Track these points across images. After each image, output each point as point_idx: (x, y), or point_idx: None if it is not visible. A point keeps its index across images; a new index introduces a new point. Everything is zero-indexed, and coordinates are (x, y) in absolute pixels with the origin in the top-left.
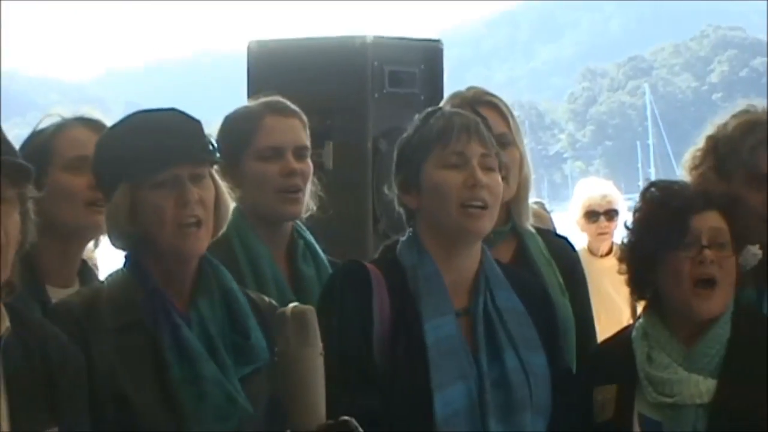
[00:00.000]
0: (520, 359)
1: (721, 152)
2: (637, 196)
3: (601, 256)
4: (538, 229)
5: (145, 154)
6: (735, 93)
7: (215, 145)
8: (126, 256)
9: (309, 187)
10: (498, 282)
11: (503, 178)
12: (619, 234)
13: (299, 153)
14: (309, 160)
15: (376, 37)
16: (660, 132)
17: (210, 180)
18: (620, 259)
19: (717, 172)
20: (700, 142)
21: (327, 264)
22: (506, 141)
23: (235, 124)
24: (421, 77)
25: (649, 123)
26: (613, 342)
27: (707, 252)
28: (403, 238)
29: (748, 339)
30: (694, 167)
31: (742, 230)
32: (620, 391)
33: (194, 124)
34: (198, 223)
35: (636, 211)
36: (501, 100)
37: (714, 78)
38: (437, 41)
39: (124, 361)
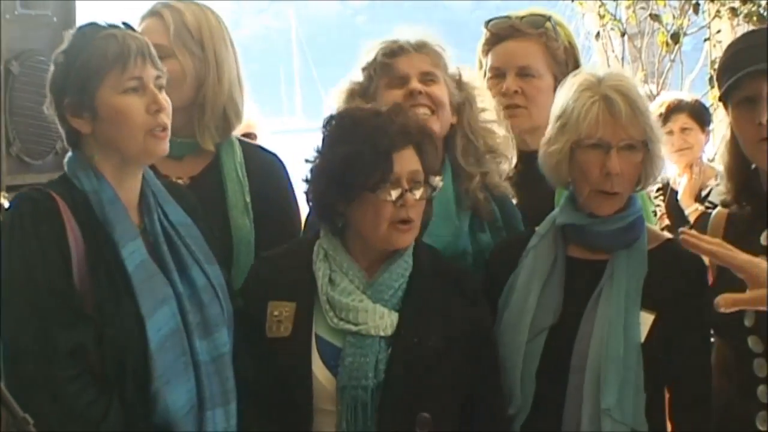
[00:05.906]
0: (206, 275)
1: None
2: (282, 120)
3: None
4: (247, 145)
5: None
6: (378, 17)
7: None
8: None
9: None
10: (164, 197)
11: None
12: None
13: None
14: None
15: None
16: (305, 56)
17: None
18: (307, 182)
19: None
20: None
21: None
22: (163, 53)
23: None
24: None
25: (294, 47)
26: (291, 255)
27: (409, 196)
28: (69, 160)
29: (428, 272)
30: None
31: (430, 160)
32: (299, 310)
33: None
34: None
35: (329, 137)
36: (173, 8)
37: (357, 2)
38: None
39: None
